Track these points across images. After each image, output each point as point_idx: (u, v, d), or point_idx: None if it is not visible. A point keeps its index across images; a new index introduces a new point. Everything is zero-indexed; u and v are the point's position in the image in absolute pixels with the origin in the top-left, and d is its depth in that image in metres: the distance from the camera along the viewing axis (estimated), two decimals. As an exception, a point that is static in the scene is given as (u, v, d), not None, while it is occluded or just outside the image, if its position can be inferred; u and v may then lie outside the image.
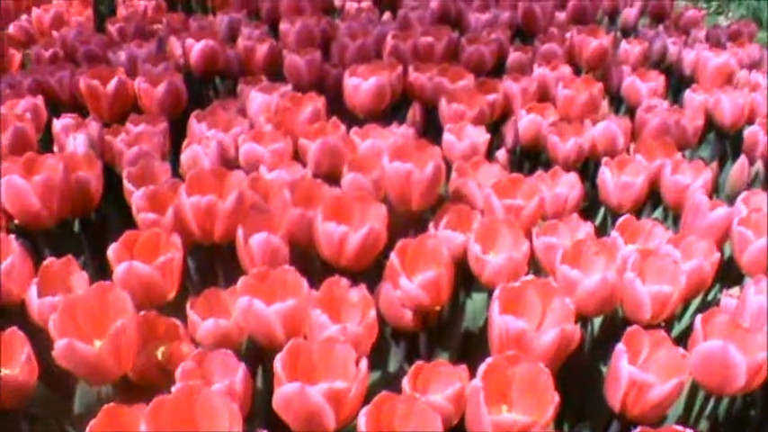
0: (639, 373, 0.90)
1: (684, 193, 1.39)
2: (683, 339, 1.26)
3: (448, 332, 1.28)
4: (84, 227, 1.42)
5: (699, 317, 1.00)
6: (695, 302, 1.35)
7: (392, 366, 1.23)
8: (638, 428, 0.79)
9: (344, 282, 1.02)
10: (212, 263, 1.25)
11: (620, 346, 0.92)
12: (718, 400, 1.09)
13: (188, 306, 1.08)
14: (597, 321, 1.28)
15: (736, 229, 1.20)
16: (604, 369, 1.20)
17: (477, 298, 1.32)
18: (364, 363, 0.87)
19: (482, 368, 0.86)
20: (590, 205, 1.58)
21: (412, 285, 1.04)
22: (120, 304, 0.96)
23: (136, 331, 0.95)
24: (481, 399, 0.82)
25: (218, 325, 1.05)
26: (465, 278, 1.29)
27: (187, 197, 1.15)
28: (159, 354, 1.04)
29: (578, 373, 1.15)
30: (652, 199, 1.53)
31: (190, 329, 1.07)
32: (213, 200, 1.14)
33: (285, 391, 0.83)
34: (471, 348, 1.28)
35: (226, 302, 1.10)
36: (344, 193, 1.19)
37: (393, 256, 1.05)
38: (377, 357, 1.22)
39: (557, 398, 0.85)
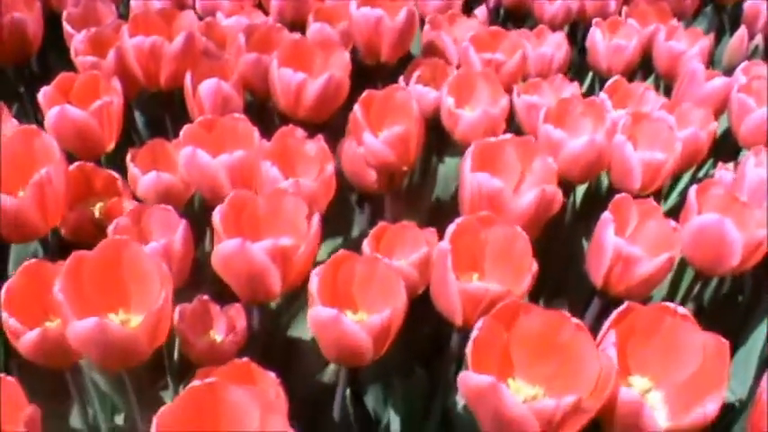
0: (626, 246, 0.80)
1: (678, 61, 1.29)
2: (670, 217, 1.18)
3: (417, 198, 1.18)
4: (24, 76, 1.29)
5: (692, 188, 0.90)
6: (685, 179, 1.26)
7: (355, 233, 1.13)
8: (625, 303, 0.69)
9: (300, 132, 0.91)
10: (162, 115, 1.13)
11: (605, 215, 0.82)
12: (705, 282, 1.00)
13: (128, 158, 0.97)
14: (580, 191, 1.18)
15: (735, 97, 1.10)
16: (586, 244, 1.11)
17: (451, 163, 1.22)
18: (316, 218, 0.77)
19: (450, 229, 0.75)
20: (577, 72, 1.47)
21: (376, 141, 0.92)
22: (48, 151, 0.84)
23: (65, 182, 0.83)
24: (448, 263, 0.72)
25: (160, 179, 0.94)
26: (438, 140, 1.18)
27: (130, 38, 1.02)
28: (96, 210, 0.93)
29: (557, 247, 1.06)
30: (643, 68, 1.42)
31: (131, 184, 0.96)
32: (158, 41, 1.01)
33: (224, 248, 0.73)
34: (442, 217, 1.18)
35: (172, 155, 0.98)
36: (304, 38, 1.06)
37: (356, 108, 0.93)
38: (339, 224, 1.12)
39: (535, 266, 0.75)
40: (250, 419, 0.61)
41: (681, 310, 0.69)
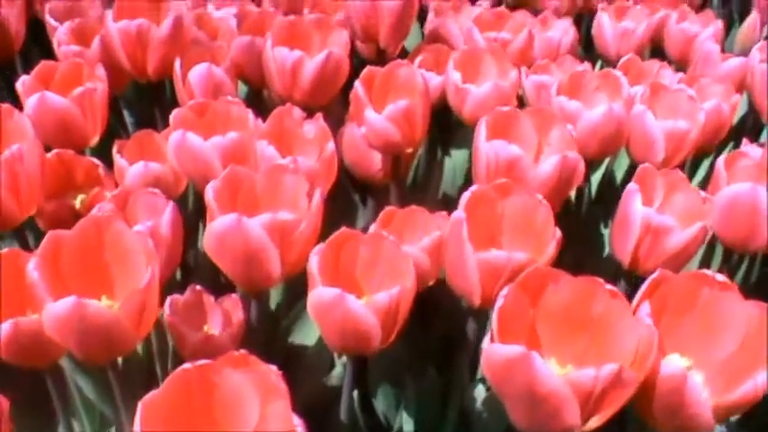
0: (656, 216, 0.74)
1: (692, 45, 1.23)
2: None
3: (423, 193, 1.12)
4: (7, 77, 1.23)
5: (720, 159, 0.84)
6: (704, 166, 1.20)
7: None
8: (658, 271, 0.62)
9: (298, 112, 0.85)
10: (152, 112, 1.07)
11: (631, 185, 0.76)
12: (737, 264, 0.93)
13: (114, 150, 0.91)
14: (595, 181, 1.12)
15: (758, 69, 1.04)
16: (605, 232, 1.05)
17: (458, 155, 1.15)
18: (318, 194, 0.70)
19: (465, 198, 0.68)
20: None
21: (379, 118, 0.85)
22: (21, 131, 0.77)
23: (39, 164, 0.76)
24: (464, 233, 0.65)
25: (148, 169, 0.88)
26: (444, 131, 1.12)
27: (115, 23, 0.96)
28: (78, 202, 0.87)
29: (574, 236, 0.99)
30: (653, 56, 1.36)
31: (117, 177, 0.90)
32: (145, 24, 0.95)
33: (218, 225, 0.66)
34: (450, 212, 1.12)
35: (162, 147, 0.92)
36: (300, 18, 1.00)
37: (357, 85, 0.86)
38: (342, 221, 1.06)
39: (558, 233, 0.68)
40: (249, 407, 0.54)
41: (719, 277, 0.62)
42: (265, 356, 0.56)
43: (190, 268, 1.00)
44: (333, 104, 1.01)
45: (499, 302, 0.57)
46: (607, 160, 1.10)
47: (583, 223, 1.05)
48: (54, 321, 0.58)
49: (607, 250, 1.04)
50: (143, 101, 1.13)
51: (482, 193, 0.69)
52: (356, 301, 0.62)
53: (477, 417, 0.87)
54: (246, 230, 0.65)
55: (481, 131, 0.77)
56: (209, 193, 0.68)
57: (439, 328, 0.95)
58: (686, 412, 0.56)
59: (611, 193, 1.07)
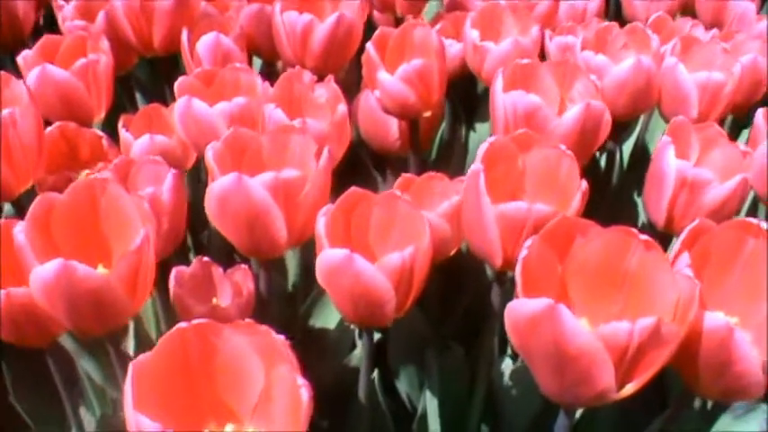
0: (692, 169, 0.69)
1: (725, 6, 1.17)
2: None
3: (446, 167, 1.07)
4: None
5: (760, 111, 0.79)
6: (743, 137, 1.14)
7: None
8: (697, 220, 0.57)
9: (308, 76, 0.80)
10: (162, 87, 1.03)
11: (664, 138, 0.71)
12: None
13: (120, 123, 0.87)
14: (627, 150, 1.07)
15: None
16: (638, 200, 1.00)
17: (483, 129, 1.11)
18: (326, 153, 0.65)
19: (482, 150, 0.63)
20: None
21: (393, 80, 0.80)
22: (18, 99, 0.73)
23: (36, 131, 0.72)
24: (481, 185, 0.60)
25: (154, 142, 0.84)
26: (467, 105, 1.08)
27: (119, -4, 0.92)
28: (81, 177, 0.83)
29: (605, 205, 0.94)
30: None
31: (123, 151, 0.86)
32: (150, -5, 0.91)
33: (218, 186, 0.61)
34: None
35: (170, 122, 0.88)
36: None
37: (369, 47, 0.82)
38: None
39: (584, 184, 0.63)
40: (253, 371, 0.50)
41: (765, 225, 0.56)
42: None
43: (203, 249, 0.96)
44: (346, 76, 0.97)
45: (523, 254, 0.52)
46: (639, 126, 1.04)
47: (614, 192, 0.99)
48: (41, 286, 0.54)
49: (641, 220, 0.99)
50: (155, 81, 1.10)
51: (501, 146, 0.64)
52: (366, 262, 0.58)
53: (507, 393, 0.83)
54: (248, 190, 0.61)
55: (498, 83, 0.72)
56: (209, 154, 0.64)
57: (462, 302, 0.91)
58: (734, 370, 0.51)
59: (643, 161, 1.02)
